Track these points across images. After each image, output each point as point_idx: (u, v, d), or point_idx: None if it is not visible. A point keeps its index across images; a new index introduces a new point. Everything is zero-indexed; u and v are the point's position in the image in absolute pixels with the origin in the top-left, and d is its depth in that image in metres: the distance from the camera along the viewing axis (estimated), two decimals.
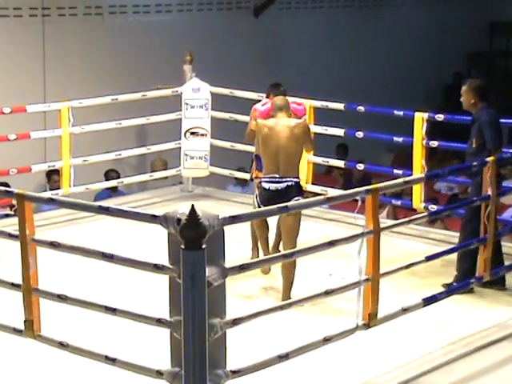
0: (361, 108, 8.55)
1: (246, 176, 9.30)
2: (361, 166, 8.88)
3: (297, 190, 6.31)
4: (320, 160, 8.84)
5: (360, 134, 8.55)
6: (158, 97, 9.25)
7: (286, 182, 6.29)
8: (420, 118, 8.07)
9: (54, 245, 4.67)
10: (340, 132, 8.76)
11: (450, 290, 5.72)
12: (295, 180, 6.32)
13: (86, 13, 11.36)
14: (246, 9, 13.14)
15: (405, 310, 5.27)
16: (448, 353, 5.49)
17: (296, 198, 6.17)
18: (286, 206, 4.71)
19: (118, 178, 10.09)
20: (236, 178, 10.30)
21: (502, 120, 6.90)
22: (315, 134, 8.63)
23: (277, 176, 6.30)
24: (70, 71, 11.04)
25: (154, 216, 4.21)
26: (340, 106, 8.68)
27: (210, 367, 4.09)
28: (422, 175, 7.40)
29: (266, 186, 6.32)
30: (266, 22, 13.22)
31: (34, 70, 10.81)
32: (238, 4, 13.08)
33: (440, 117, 8.13)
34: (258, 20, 13.25)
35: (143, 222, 4.34)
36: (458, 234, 7.77)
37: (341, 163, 9.23)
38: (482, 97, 6.59)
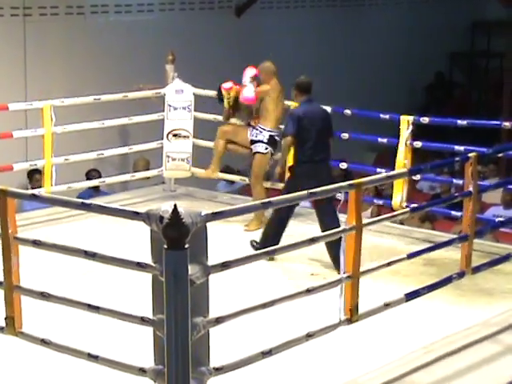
0: (347, 112, 8.61)
1: (228, 177, 9.39)
2: (344, 165, 8.90)
3: None
4: None
5: (345, 136, 8.59)
6: (141, 97, 9.24)
7: None
8: (406, 121, 8.16)
9: (36, 243, 4.65)
10: None
11: (431, 286, 5.73)
12: None
13: (67, 12, 11.32)
14: (227, 8, 13.14)
15: (387, 305, 5.27)
16: (430, 352, 5.50)
17: None
18: (270, 202, 4.72)
19: (100, 177, 10.06)
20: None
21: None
22: None
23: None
24: (51, 70, 10.99)
25: (137, 213, 4.19)
26: (327, 109, 8.67)
27: (193, 365, 4.08)
28: (405, 170, 7.45)
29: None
30: (248, 22, 13.23)
31: (16, 69, 10.76)
32: (219, 3, 13.07)
33: (425, 119, 8.23)
34: (240, 19, 13.24)
35: (126, 218, 4.33)
36: (443, 234, 7.86)
37: None
38: (302, 92, 7.36)
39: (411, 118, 8.17)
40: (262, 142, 8.28)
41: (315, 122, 7.24)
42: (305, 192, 4.86)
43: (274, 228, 7.25)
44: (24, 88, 10.75)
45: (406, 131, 8.15)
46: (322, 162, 7.20)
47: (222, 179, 10.44)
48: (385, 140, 8.45)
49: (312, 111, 7.32)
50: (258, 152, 8.29)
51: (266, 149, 8.29)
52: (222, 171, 9.30)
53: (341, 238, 5.00)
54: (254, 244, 7.28)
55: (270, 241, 6.76)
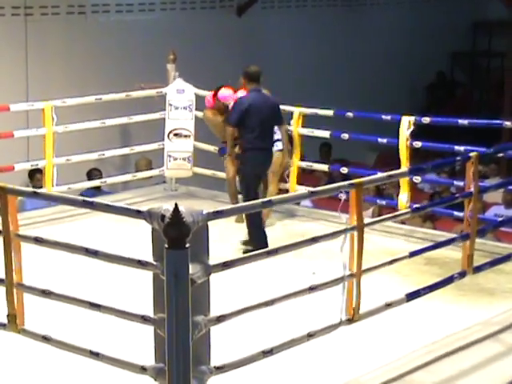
0: (349, 114, 8.62)
1: None
2: (345, 170, 8.93)
3: None
4: (304, 165, 8.91)
5: (346, 136, 8.60)
6: (143, 96, 9.24)
7: None
8: (406, 121, 8.15)
9: (37, 240, 4.66)
10: (326, 134, 8.80)
11: (432, 286, 5.73)
12: None
13: (68, 12, 11.32)
14: (229, 7, 13.14)
15: (388, 305, 5.27)
16: (431, 351, 5.50)
17: None
18: (270, 200, 4.72)
19: (101, 177, 10.06)
20: None
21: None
22: (302, 135, 8.72)
23: None
24: (52, 70, 11.00)
25: (138, 211, 4.20)
26: (329, 112, 8.72)
27: (193, 363, 4.08)
28: (406, 169, 7.46)
29: None
30: (250, 21, 13.23)
31: (17, 69, 10.77)
32: (221, 3, 13.08)
33: (426, 119, 8.22)
34: (241, 19, 13.25)
35: (128, 217, 4.33)
36: (444, 233, 7.85)
37: (325, 167, 9.34)
38: (250, 80, 7.54)
39: (412, 119, 8.16)
40: (279, 140, 8.18)
41: (262, 111, 7.41)
42: (306, 191, 4.86)
43: (257, 223, 7.38)
44: (25, 87, 10.76)
45: (406, 131, 8.13)
46: (267, 150, 7.49)
47: None
48: (385, 140, 8.44)
49: (259, 100, 7.47)
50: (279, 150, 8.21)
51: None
52: None
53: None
54: (247, 250, 7.20)
55: (258, 238, 7.06)
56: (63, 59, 11.19)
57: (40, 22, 11.00)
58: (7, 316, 4.77)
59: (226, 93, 8.38)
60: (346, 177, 10.76)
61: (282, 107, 8.05)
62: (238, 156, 7.72)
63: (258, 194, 7.63)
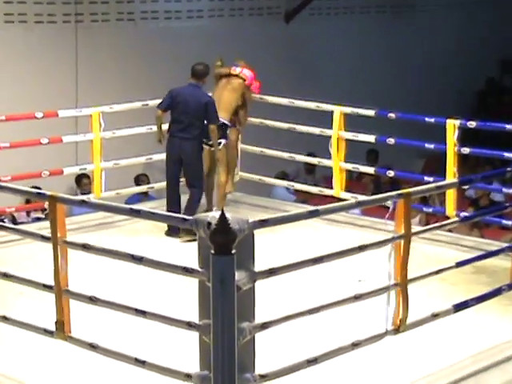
0: (391, 115, 8.53)
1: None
2: (391, 173, 8.85)
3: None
4: (350, 166, 8.85)
5: (391, 141, 8.53)
6: None
7: None
8: (452, 125, 8.03)
9: (85, 247, 4.70)
10: (371, 138, 8.75)
11: (480, 297, 5.67)
12: None
13: (118, 18, 11.44)
14: (277, 14, 13.16)
15: (434, 316, 5.23)
16: (479, 361, 5.44)
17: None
18: (317, 210, 4.70)
19: (149, 182, 10.12)
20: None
21: None
22: (346, 140, 8.68)
23: None
24: (102, 76, 11.11)
25: (185, 219, 4.22)
26: (371, 112, 8.66)
27: (238, 371, 4.09)
28: (455, 180, 7.37)
29: None
30: (297, 28, 13.23)
31: (67, 76, 10.91)
32: (269, 9, 13.09)
33: (472, 124, 8.08)
34: (288, 26, 13.25)
35: (174, 224, 4.35)
36: (492, 242, 7.74)
37: (371, 170, 9.22)
38: (191, 75, 8.12)
39: (457, 122, 8.04)
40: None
41: (186, 103, 7.96)
42: (353, 200, 4.84)
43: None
44: (75, 93, 10.89)
45: (453, 136, 8.01)
46: (181, 139, 7.97)
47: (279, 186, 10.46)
48: (432, 146, 8.34)
49: (187, 93, 8.03)
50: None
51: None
52: (278, 177, 9.36)
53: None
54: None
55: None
56: (112, 65, 11.30)
57: (90, 28, 11.14)
58: (55, 323, 4.81)
59: (247, 73, 8.81)
60: (393, 181, 10.74)
61: (322, 106, 8.60)
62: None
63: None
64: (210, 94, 8.39)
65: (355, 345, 4.78)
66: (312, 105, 8.97)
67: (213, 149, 8.24)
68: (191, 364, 4.34)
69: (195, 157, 8.06)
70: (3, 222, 8.92)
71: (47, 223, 4.81)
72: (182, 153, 7.99)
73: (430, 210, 8.78)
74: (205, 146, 8.23)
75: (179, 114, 8.02)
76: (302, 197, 10.85)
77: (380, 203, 5.20)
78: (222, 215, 3.96)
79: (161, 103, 8.19)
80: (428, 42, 15.09)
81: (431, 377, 5.22)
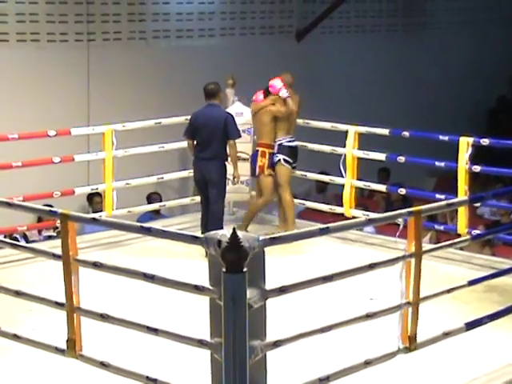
0: (405, 133, 8.54)
1: None
2: (402, 191, 8.84)
3: None
4: (362, 184, 8.85)
5: (402, 159, 8.53)
6: None
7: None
8: (465, 143, 8.03)
9: (96, 265, 4.71)
10: (382, 157, 8.76)
11: (493, 315, 5.64)
12: None
13: (129, 37, 11.50)
14: (288, 33, 13.20)
15: (446, 334, 5.21)
16: (492, 380, 5.41)
17: None
18: (328, 228, 4.70)
19: (161, 200, 10.13)
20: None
21: None
22: (358, 158, 8.69)
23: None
24: (113, 95, 11.16)
25: (195, 237, 4.23)
26: (385, 131, 8.68)
27: None
28: (466, 198, 7.35)
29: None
30: (309, 47, 13.26)
31: (79, 94, 10.96)
32: (280, 28, 13.14)
33: (485, 141, 8.07)
34: (300, 44, 13.29)
35: (184, 242, 4.36)
36: (504, 260, 7.71)
37: (382, 187, 9.22)
38: (205, 97, 8.18)
39: (471, 140, 8.03)
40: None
41: (205, 124, 8.01)
42: (363, 218, 4.84)
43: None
44: (87, 111, 10.93)
45: (465, 154, 8.01)
46: (204, 159, 8.02)
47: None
48: (442, 164, 8.34)
49: (206, 114, 8.09)
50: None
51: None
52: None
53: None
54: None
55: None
56: (124, 84, 11.35)
57: (102, 47, 11.19)
58: (66, 341, 4.81)
59: (275, 82, 8.86)
60: (404, 199, 10.72)
61: (337, 126, 8.69)
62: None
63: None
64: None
65: (367, 363, 4.76)
66: (327, 125, 9.00)
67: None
68: (203, 382, 4.33)
69: (219, 175, 8.05)
70: (17, 240, 8.95)
71: (59, 241, 4.82)
72: (207, 173, 8.00)
73: (441, 227, 8.76)
74: (286, 165, 8.66)
75: (201, 136, 8.05)
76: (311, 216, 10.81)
77: (390, 221, 5.19)
78: (234, 233, 3.96)
79: (185, 131, 8.26)
80: (440, 59, 15.09)
81: None
